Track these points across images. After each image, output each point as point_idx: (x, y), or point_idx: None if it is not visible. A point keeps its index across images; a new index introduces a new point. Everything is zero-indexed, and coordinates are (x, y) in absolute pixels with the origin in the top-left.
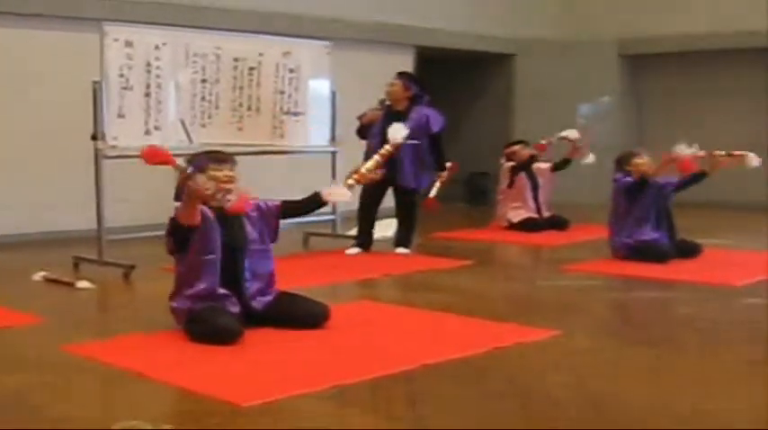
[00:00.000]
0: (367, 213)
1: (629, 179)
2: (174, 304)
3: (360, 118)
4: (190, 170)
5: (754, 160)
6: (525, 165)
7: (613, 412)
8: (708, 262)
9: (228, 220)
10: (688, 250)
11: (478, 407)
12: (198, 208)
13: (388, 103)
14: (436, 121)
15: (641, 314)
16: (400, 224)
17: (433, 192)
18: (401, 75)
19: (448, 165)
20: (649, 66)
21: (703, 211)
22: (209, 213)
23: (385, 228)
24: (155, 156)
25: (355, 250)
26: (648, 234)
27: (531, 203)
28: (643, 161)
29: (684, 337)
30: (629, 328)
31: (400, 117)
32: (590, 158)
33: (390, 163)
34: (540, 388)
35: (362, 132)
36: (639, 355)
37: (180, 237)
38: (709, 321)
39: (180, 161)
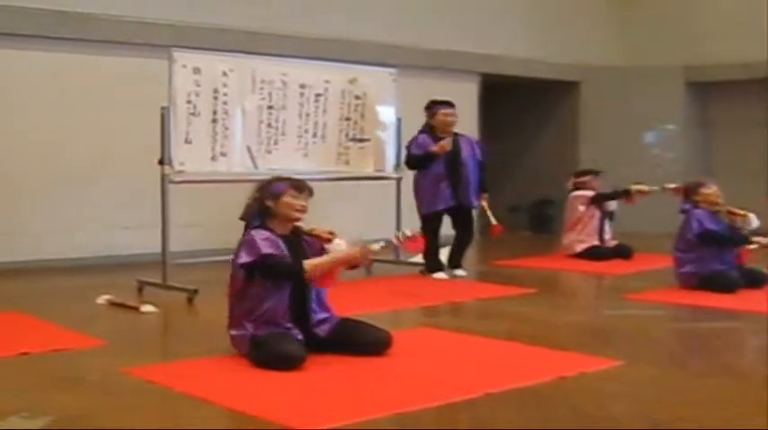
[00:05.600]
0: (434, 240)
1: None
2: (235, 332)
3: (408, 147)
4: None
5: (754, 221)
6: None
7: None
8: None
9: (296, 249)
10: (755, 280)
11: None
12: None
13: (429, 128)
14: (481, 150)
15: (707, 344)
16: (459, 242)
17: (493, 219)
18: (452, 105)
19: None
20: (717, 93)
21: None
22: (281, 243)
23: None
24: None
25: (442, 274)
26: (716, 264)
27: (597, 232)
28: (711, 191)
29: (751, 367)
30: (695, 358)
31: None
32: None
33: (457, 185)
34: (604, 416)
35: (425, 162)
36: (705, 385)
37: (275, 273)
38: None
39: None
